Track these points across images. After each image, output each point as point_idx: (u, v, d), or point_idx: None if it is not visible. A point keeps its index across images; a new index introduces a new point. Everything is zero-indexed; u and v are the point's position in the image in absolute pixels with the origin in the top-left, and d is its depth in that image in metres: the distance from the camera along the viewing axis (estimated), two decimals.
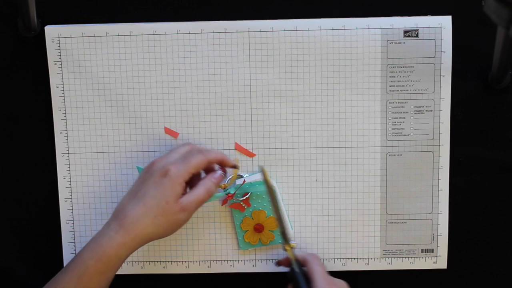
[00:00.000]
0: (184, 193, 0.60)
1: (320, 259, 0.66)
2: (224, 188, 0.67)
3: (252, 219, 0.68)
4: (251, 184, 0.67)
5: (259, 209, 0.68)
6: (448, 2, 0.66)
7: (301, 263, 0.65)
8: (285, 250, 0.65)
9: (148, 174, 0.61)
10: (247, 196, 0.68)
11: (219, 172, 0.63)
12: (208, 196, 0.61)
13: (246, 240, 0.69)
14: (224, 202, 0.68)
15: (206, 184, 0.61)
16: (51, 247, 0.70)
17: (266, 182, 0.64)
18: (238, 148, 0.68)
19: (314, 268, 0.63)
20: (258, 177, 0.68)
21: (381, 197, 0.69)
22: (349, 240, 0.69)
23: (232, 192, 0.67)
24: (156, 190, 0.59)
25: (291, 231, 0.67)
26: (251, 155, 0.68)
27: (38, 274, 0.69)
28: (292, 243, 0.65)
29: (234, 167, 0.65)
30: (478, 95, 0.68)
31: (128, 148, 0.69)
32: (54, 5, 0.67)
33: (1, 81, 0.68)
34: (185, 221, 0.60)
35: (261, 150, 0.69)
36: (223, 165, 0.64)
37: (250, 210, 0.68)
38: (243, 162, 0.69)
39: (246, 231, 0.69)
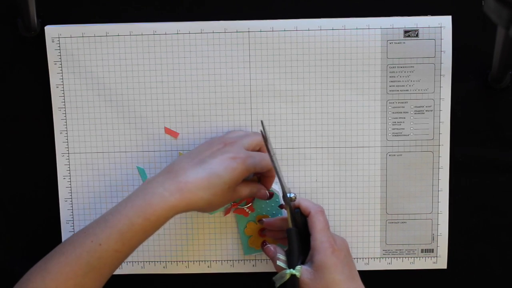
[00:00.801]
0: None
1: (324, 211, 0.62)
2: None
3: (256, 223, 0.68)
4: None
5: (263, 214, 0.68)
6: (448, 2, 0.66)
7: (305, 213, 0.61)
8: (285, 207, 0.62)
9: (219, 151, 0.60)
10: (250, 203, 0.68)
11: (265, 191, 0.64)
12: (245, 198, 0.63)
13: (251, 246, 0.69)
14: (227, 211, 0.68)
15: (253, 189, 0.63)
16: (52, 247, 0.69)
17: (263, 136, 0.60)
18: None
19: (314, 223, 0.60)
20: None
21: (381, 197, 0.69)
22: (349, 240, 0.69)
23: (237, 201, 0.67)
24: (224, 170, 0.58)
25: (286, 187, 0.62)
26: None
27: None
28: (291, 195, 0.61)
29: (270, 195, 0.65)
30: (478, 95, 0.68)
31: (128, 148, 0.69)
32: (54, 5, 0.67)
33: (1, 81, 0.68)
34: (226, 202, 0.60)
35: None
36: (269, 181, 0.64)
37: (254, 214, 0.68)
38: None
39: (250, 236, 0.68)
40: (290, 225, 0.61)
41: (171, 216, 0.57)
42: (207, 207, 0.59)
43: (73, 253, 0.56)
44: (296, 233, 0.61)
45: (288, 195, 0.61)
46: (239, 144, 0.61)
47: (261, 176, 0.65)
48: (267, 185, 0.64)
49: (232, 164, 0.58)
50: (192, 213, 0.69)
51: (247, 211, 0.68)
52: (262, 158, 0.61)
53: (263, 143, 0.62)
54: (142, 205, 0.56)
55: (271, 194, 0.65)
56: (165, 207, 0.56)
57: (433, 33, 0.66)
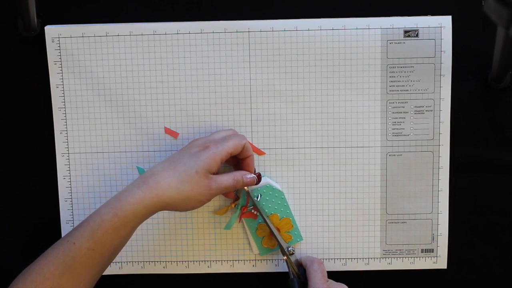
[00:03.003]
0: (215, 173, 0.61)
1: (322, 262, 0.66)
2: (235, 205, 0.68)
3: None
4: (257, 190, 0.67)
5: (271, 213, 0.68)
6: (448, 2, 0.66)
7: (303, 266, 0.66)
8: (285, 260, 0.67)
9: (186, 147, 0.62)
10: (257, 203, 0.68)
11: (252, 175, 0.64)
12: (233, 187, 0.62)
13: (265, 246, 0.69)
14: (240, 219, 0.69)
15: (236, 175, 0.62)
16: None
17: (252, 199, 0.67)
18: None
19: (311, 274, 0.64)
20: (262, 182, 0.68)
21: (381, 197, 0.69)
22: (349, 240, 0.69)
23: (244, 204, 0.68)
24: (190, 159, 0.59)
25: (284, 242, 0.68)
26: (260, 153, 0.68)
27: None
28: (290, 249, 0.67)
29: (258, 177, 0.65)
30: (478, 95, 0.68)
31: (128, 148, 0.69)
32: (54, 5, 0.67)
33: (1, 81, 0.68)
34: (204, 200, 0.60)
35: (261, 150, 0.69)
36: (249, 162, 0.64)
37: (266, 216, 0.68)
38: (255, 161, 0.68)
39: (263, 237, 0.69)
40: (291, 275, 0.66)
41: (143, 214, 0.57)
42: (181, 199, 0.58)
43: (51, 254, 0.57)
44: (297, 283, 0.65)
45: (286, 249, 0.67)
46: (206, 137, 0.63)
47: (240, 161, 0.65)
48: (249, 168, 0.65)
49: (199, 152, 0.60)
50: (192, 213, 0.69)
51: (255, 213, 0.68)
52: (230, 139, 0.62)
53: (233, 131, 0.65)
54: (112, 202, 0.57)
55: (259, 176, 0.65)
56: (132, 201, 0.57)
57: (433, 33, 0.66)
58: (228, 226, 0.69)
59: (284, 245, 0.67)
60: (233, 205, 0.68)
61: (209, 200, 0.61)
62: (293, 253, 0.67)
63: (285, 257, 0.67)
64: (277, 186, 0.68)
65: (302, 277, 0.66)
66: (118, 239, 0.57)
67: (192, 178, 0.58)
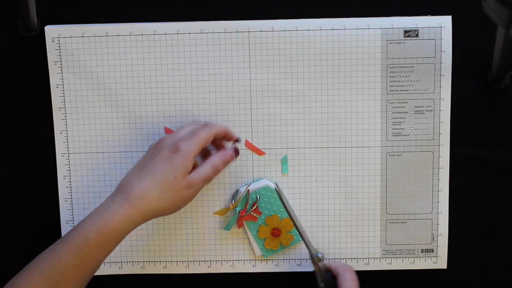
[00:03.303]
0: (192, 169, 0.60)
1: (354, 271, 0.65)
2: (234, 208, 0.68)
3: (267, 225, 0.68)
4: (255, 192, 0.67)
5: (271, 215, 0.68)
6: (448, 2, 0.66)
7: (334, 273, 0.65)
8: (314, 266, 0.66)
9: (156, 150, 0.60)
10: (255, 206, 0.68)
11: (229, 152, 0.63)
12: (214, 174, 0.61)
13: (268, 247, 0.69)
14: (240, 224, 0.69)
15: (214, 161, 0.62)
16: None
17: (281, 200, 0.66)
18: (248, 145, 0.68)
19: (344, 283, 0.63)
20: (261, 183, 0.68)
21: (381, 197, 0.69)
22: (349, 240, 0.69)
23: (242, 208, 0.67)
24: (165, 165, 0.58)
25: (312, 246, 0.67)
26: (260, 153, 0.68)
27: None
28: (319, 255, 0.66)
29: (237, 140, 0.65)
30: (478, 95, 0.68)
31: (128, 148, 0.69)
32: (54, 5, 0.67)
33: (1, 81, 0.68)
34: (191, 198, 0.60)
35: (261, 150, 0.69)
36: (227, 138, 0.64)
37: (263, 217, 0.68)
38: (254, 162, 0.69)
39: (265, 238, 0.69)
40: (319, 283, 0.66)
41: (127, 229, 0.58)
42: (166, 207, 0.59)
43: (37, 270, 0.57)
44: None
45: (316, 255, 0.66)
46: (173, 136, 0.61)
47: (218, 142, 0.64)
48: (231, 138, 0.64)
49: (171, 156, 0.59)
50: (192, 213, 0.69)
51: (254, 215, 0.68)
52: (198, 134, 0.60)
53: (198, 124, 0.63)
54: (96, 220, 0.57)
55: (236, 150, 0.64)
56: (117, 219, 0.57)
57: (433, 33, 0.66)
58: (228, 227, 0.69)
59: (314, 251, 0.66)
60: (232, 208, 0.68)
61: (195, 195, 0.61)
62: (322, 260, 0.66)
63: (314, 264, 0.66)
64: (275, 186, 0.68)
65: (329, 283, 0.65)
66: (104, 254, 0.58)
67: (172, 185, 0.58)
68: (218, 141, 0.65)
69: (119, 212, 0.57)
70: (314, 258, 0.66)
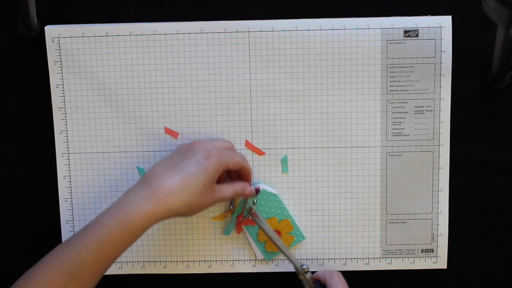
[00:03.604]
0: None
1: (341, 275, 0.65)
2: (232, 213, 0.68)
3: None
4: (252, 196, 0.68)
5: (269, 217, 0.68)
6: (448, 2, 0.66)
7: (322, 281, 0.65)
8: (300, 278, 0.67)
9: (189, 152, 0.60)
10: (253, 210, 0.68)
11: (251, 188, 0.64)
12: (231, 198, 0.63)
13: (269, 250, 0.69)
14: (239, 229, 0.69)
15: (237, 188, 0.63)
16: (51, 247, 0.69)
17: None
18: (248, 145, 0.68)
19: (333, 286, 0.63)
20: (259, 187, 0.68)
21: (381, 197, 0.69)
22: (349, 240, 0.69)
23: (240, 213, 0.68)
24: (197, 169, 0.58)
25: (296, 260, 0.68)
26: (260, 153, 0.68)
27: None
28: (304, 267, 0.66)
29: (256, 191, 0.66)
30: (478, 95, 0.68)
31: (128, 148, 0.69)
32: (54, 5, 0.67)
33: (1, 81, 0.68)
34: (205, 208, 0.60)
35: (261, 150, 0.69)
36: (248, 178, 0.65)
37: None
38: (254, 162, 0.69)
39: (265, 241, 0.68)
40: None
41: (150, 225, 0.57)
42: (186, 210, 0.58)
43: (55, 263, 0.56)
44: None
45: (301, 267, 0.66)
46: (209, 143, 0.63)
47: (238, 176, 0.65)
48: (248, 180, 0.65)
49: (204, 162, 0.59)
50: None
51: (253, 219, 0.68)
52: (233, 154, 0.62)
53: (233, 147, 0.66)
54: (119, 214, 0.56)
55: (257, 190, 0.66)
56: (141, 215, 0.56)
57: (433, 33, 0.66)
58: (227, 232, 0.69)
59: (298, 264, 0.67)
60: (229, 213, 0.68)
61: (209, 207, 0.61)
62: (308, 271, 0.66)
63: (300, 276, 0.67)
64: (272, 189, 0.68)
65: None
66: (124, 249, 0.57)
67: (200, 192, 0.58)
68: (247, 178, 0.65)
69: (144, 207, 0.56)
70: (300, 271, 0.66)
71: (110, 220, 0.56)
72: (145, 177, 0.59)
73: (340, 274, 0.65)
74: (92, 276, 0.57)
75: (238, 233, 0.69)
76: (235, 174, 0.65)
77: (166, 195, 0.57)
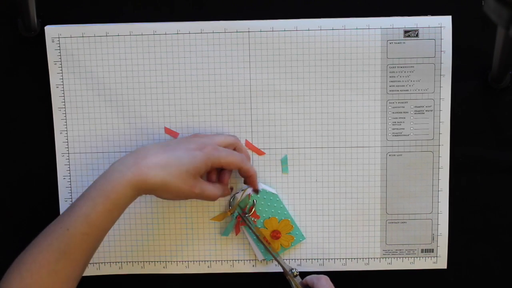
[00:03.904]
0: (202, 175, 0.61)
1: (328, 278, 0.65)
2: (231, 213, 0.68)
3: (266, 228, 0.68)
4: (252, 196, 0.67)
5: (269, 217, 0.68)
6: (448, 2, 0.66)
7: (311, 285, 0.65)
8: (291, 283, 0.67)
9: (186, 140, 0.62)
10: (253, 210, 0.68)
11: (249, 190, 0.65)
12: (211, 199, 0.62)
13: None
14: (237, 230, 0.69)
15: (224, 190, 0.64)
16: None
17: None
18: (248, 145, 0.68)
19: None
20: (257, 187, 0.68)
21: (381, 197, 0.69)
22: (349, 240, 0.69)
23: (240, 213, 0.68)
24: (185, 155, 0.59)
25: (286, 263, 0.68)
26: (260, 153, 0.68)
27: None
28: (293, 271, 0.66)
29: (257, 191, 0.66)
30: (478, 95, 0.68)
31: (128, 148, 0.69)
32: (54, 5, 0.67)
33: (1, 81, 0.68)
34: (185, 198, 0.61)
35: (261, 150, 0.69)
36: (251, 181, 0.65)
37: (261, 220, 0.68)
38: (254, 162, 0.68)
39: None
40: None
41: (131, 196, 0.57)
42: (162, 189, 0.58)
43: (44, 242, 0.57)
44: None
45: (290, 271, 0.66)
46: (209, 137, 0.64)
47: (244, 179, 0.66)
48: (253, 185, 0.66)
49: (195, 152, 0.60)
50: (192, 213, 0.69)
51: (253, 219, 0.68)
52: (228, 154, 0.62)
53: (237, 142, 0.66)
54: (103, 184, 0.57)
55: (257, 189, 0.67)
56: (123, 182, 0.56)
57: (433, 33, 0.66)
58: (226, 233, 0.69)
59: (287, 267, 0.67)
60: (229, 213, 0.68)
61: (186, 199, 0.61)
62: (297, 275, 0.66)
63: (287, 277, 0.67)
64: (271, 189, 0.68)
65: None
66: (111, 221, 0.58)
67: (181, 176, 0.58)
68: (249, 182, 0.66)
69: (126, 174, 0.57)
70: (289, 274, 0.66)
71: (95, 192, 0.57)
72: (136, 150, 0.60)
73: (327, 278, 0.65)
74: (82, 251, 0.57)
75: (237, 234, 0.69)
76: (227, 176, 0.66)
77: (147, 167, 0.57)
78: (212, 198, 0.62)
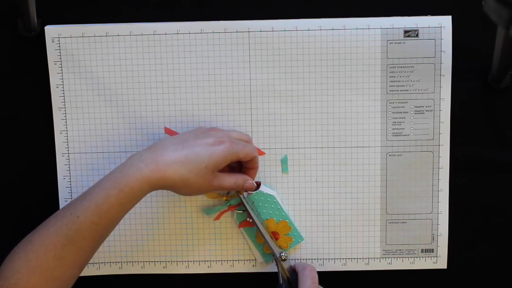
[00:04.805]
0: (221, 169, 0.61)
1: (314, 269, 0.65)
2: (226, 200, 0.67)
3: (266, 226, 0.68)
4: (250, 196, 0.67)
5: (267, 218, 0.68)
6: (448, 2, 0.66)
7: (296, 271, 0.65)
8: (278, 266, 0.67)
9: (203, 134, 0.62)
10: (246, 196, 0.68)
11: (252, 182, 0.65)
12: (232, 189, 0.63)
13: (267, 252, 0.68)
14: (219, 215, 0.68)
15: (238, 179, 0.63)
16: None
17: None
18: None
19: (301, 280, 0.63)
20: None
21: (381, 197, 0.69)
22: (349, 240, 0.69)
23: (234, 204, 0.67)
24: (204, 151, 0.59)
25: (276, 247, 0.67)
26: (260, 153, 0.68)
27: None
28: (282, 255, 0.66)
29: (258, 185, 0.66)
30: (478, 95, 0.68)
31: (128, 148, 0.69)
32: (54, 5, 0.67)
33: (1, 81, 0.68)
34: (205, 192, 0.61)
35: (261, 150, 0.69)
36: (254, 172, 0.65)
37: (260, 222, 0.68)
38: None
39: (264, 243, 0.68)
40: (280, 281, 0.66)
41: (146, 190, 0.58)
42: (181, 186, 0.59)
43: (54, 226, 0.57)
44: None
45: (278, 255, 0.66)
46: (225, 132, 0.64)
47: (244, 169, 0.65)
48: (252, 177, 0.66)
49: (214, 147, 0.60)
50: (192, 213, 0.69)
51: (251, 221, 0.68)
52: (245, 145, 0.63)
53: (249, 141, 0.66)
54: (118, 177, 0.57)
55: (258, 184, 0.66)
56: (139, 178, 0.57)
57: (433, 33, 0.66)
58: (208, 211, 0.68)
59: (277, 251, 0.66)
60: (224, 198, 0.68)
61: (204, 193, 0.62)
62: (285, 259, 0.66)
63: (277, 262, 0.67)
64: (268, 190, 0.68)
65: (293, 283, 0.65)
66: (123, 213, 0.58)
67: (200, 171, 0.58)
68: (251, 173, 0.66)
69: (143, 170, 0.57)
70: (277, 258, 0.66)
71: (109, 183, 0.57)
72: (154, 145, 0.61)
73: (313, 268, 0.65)
74: (90, 240, 0.57)
75: (216, 219, 0.68)
76: (238, 168, 0.66)
77: (166, 164, 0.57)
78: (231, 188, 0.63)
